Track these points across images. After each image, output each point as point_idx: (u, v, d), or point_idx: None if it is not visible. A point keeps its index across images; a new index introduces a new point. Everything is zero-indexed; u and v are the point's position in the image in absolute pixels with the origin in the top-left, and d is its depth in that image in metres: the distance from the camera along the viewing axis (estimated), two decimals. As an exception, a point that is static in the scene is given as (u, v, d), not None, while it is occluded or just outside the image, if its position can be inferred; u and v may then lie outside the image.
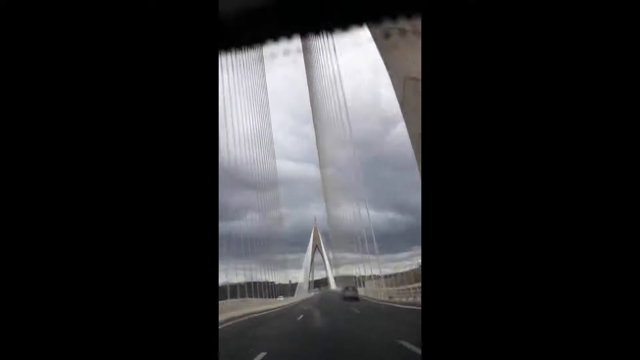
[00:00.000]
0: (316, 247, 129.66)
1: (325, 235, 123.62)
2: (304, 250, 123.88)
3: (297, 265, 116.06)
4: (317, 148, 66.54)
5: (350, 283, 41.53)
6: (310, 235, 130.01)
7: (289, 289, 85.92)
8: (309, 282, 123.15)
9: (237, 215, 37.18)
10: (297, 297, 62.11)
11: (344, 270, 69.97)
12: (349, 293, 26.93)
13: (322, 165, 67.40)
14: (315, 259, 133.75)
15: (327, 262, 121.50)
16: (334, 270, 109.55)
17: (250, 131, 40.48)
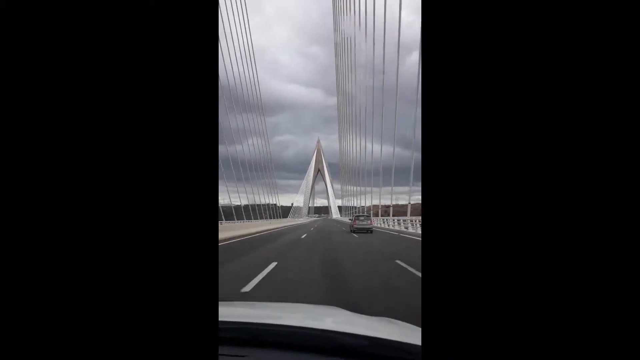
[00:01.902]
0: (318, 171, 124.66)
1: (330, 164, 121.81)
2: (309, 181, 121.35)
3: (301, 195, 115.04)
4: (336, 73, 61.04)
5: (350, 213, 39.45)
6: (312, 156, 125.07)
7: (288, 213, 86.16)
8: (309, 208, 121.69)
9: (237, 139, 35.54)
10: (295, 221, 61.42)
11: (345, 202, 69.30)
12: (361, 223, 21.05)
13: (338, 92, 62.81)
14: (317, 187, 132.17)
15: (329, 190, 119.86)
16: (337, 201, 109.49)
17: (244, 46, 36.16)
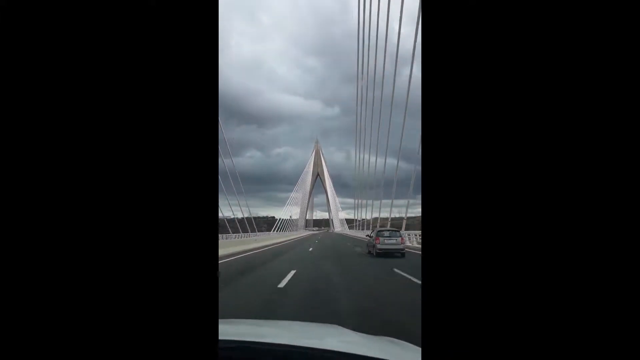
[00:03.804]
0: (317, 176, 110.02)
1: (330, 175, 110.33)
2: (305, 188, 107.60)
3: (296, 203, 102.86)
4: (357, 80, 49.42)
5: (358, 226, 29.39)
6: (309, 159, 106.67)
7: (284, 226, 75.52)
8: (305, 220, 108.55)
9: (237, 151, 28.51)
10: (279, 238, 49.17)
11: (345, 215, 59.42)
12: (388, 242, 13.39)
13: (357, 102, 51.36)
14: (316, 200, 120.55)
15: (330, 200, 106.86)
16: (340, 213, 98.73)
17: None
